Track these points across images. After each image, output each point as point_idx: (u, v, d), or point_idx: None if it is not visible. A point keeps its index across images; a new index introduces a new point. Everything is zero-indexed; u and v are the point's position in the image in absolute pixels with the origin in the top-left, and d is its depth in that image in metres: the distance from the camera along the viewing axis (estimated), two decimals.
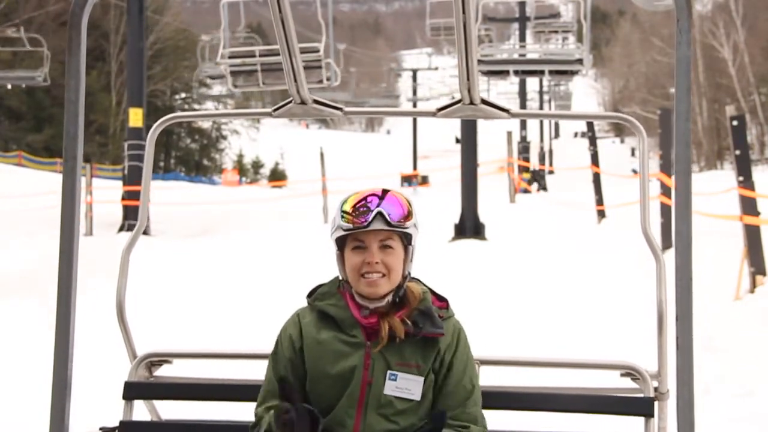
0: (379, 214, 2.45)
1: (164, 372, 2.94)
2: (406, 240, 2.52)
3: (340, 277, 2.57)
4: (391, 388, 2.45)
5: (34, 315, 8.75)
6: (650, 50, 65.86)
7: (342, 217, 2.48)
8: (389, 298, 2.49)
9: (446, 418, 2.47)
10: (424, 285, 2.61)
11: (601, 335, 7.77)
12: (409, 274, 2.55)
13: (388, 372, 2.46)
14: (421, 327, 2.47)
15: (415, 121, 55.37)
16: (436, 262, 11.69)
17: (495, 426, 2.67)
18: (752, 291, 9.04)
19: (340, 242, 2.52)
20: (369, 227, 2.45)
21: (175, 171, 55.64)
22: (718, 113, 54.80)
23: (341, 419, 2.45)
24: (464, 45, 2.37)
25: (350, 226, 2.46)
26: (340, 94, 42.39)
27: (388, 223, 2.46)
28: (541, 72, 17.90)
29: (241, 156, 65.53)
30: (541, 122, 56.70)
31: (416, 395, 2.46)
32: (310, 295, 2.61)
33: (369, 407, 2.45)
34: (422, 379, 2.47)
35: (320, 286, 2.62)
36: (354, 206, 2.48)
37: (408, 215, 2.49)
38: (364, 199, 2.48)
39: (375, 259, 2.46)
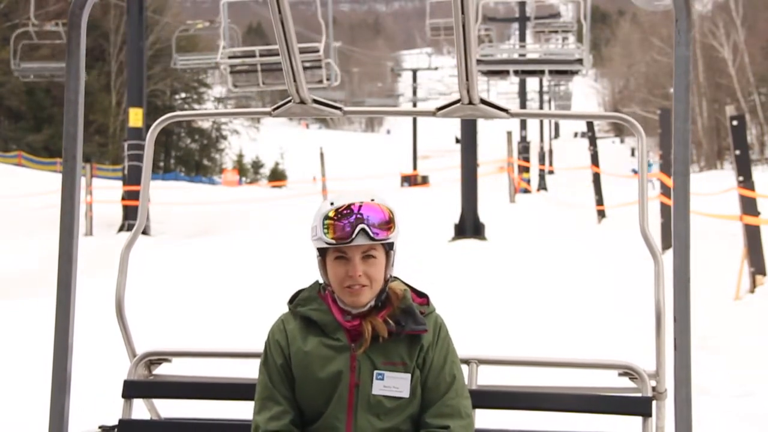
0: (362, 230, 2.42)
1: (164, 371, 2.93)
2: (388, 246, 2.51)
3: (321, 282, 2.56)
4: (379, 388, 2.45)
5: (34, 315, 8.74)
6: (650, 50, 65.88)
7: (324, 229, 2.44)
8: (371, 303, 2.49)
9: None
10: (404, 283, 2.61)
11: (600, 335, 7.77)
12: (391, 277, 2.54)
13: (375, 372, 2.45)
14: (403, 325, 2.47)
15: (415, 120, 55.39)
16: (435, 262, 11.71)
17: (493, 425, 2.68)
18: (752, 291, 9.05)
19: (322, 250, 2.51)
20: (352, 243, 2.43)
21: (175, 171, 55.64)
22: (718, 113, 54.84)
23: (332, 423, 2.44)
24: (463, 45, 2.38)
25: (333, 241, 2.44)
26: (338, 93, 42.35)
27: (371, 239, 2.43)
28: (541, 72, 17.87)
29: (241, 156, 65.52)
30: (541, 122, 56.62)
31: (405, 392, 2.46)
32: (291, 301, 2.59)
33: (359, 409, 2.45)
34: (409, 376, 2.46)
35: (300, 291, 2.61)
36: (335, 219, 2.44)
37: (390, 225, 2.46)
38: (346, 211, 2.44)
39: (358, 272, 2.44)
